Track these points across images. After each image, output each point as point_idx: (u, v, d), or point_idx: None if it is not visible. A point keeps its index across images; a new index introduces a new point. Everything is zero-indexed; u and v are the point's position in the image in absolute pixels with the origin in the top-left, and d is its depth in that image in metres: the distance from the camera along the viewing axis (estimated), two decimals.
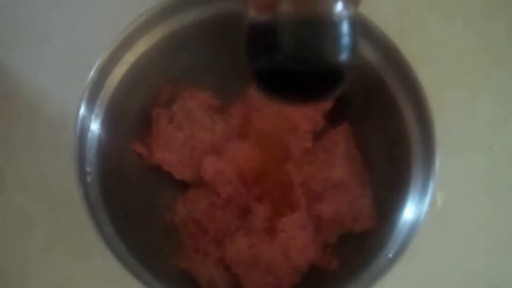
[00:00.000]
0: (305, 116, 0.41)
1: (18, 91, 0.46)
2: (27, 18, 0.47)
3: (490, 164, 0.47)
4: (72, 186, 0.35)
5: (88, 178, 0.37)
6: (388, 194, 0.39)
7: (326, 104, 0.41)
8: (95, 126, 0.38)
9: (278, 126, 0.41)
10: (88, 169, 0.37)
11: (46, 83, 0.46)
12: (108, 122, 0.39)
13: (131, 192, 0.41)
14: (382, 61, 0.39)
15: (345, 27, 0.29)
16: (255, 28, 0.30)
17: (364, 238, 0.40)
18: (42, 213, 0.43)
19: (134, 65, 0.39)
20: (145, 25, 0.39)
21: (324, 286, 0.40)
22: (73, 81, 0.38)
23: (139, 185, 0.42)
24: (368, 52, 0.40)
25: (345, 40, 0.29)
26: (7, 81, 0.46)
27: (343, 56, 0.29)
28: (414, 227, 0.36)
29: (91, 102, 0.38)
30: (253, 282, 0.39)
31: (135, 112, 0.42)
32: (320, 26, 0.28)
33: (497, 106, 0.48)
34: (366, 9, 0.38)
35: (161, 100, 0.42)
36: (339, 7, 0.28)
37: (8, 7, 0.48)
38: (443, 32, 0.49)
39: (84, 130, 0.37)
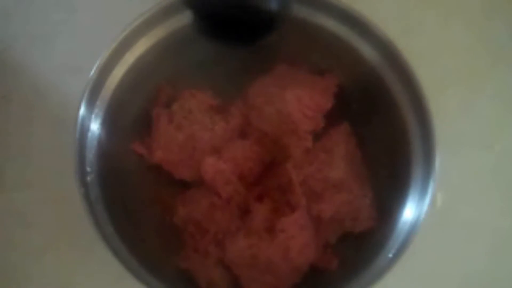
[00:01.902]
0: (305, 116, 0.41)
1: (18, 91, 0.46)
2: (27, 18, 0.47)
3: (490, 164, 0.47)
4: (72, 186, 0.36)
5: (88, 178, 0.37)
6: (388, 194, 0.39)
7: (326, 104, 0.41)
8: (95, 126, 0.38)
9: (278, 126, 0.41)
10: (88, 169, 0.37)
11: (46, 83, 0.46)
12: (108, 122, 0.39)
13: (131, 192, 0.41)
14: (382, 61, 0.39)
15: None
16: None
17: (364, 238, 0.40)
18: (42, 213, 0.43)
19: (134, 65, 0.39)
20: (145, 25, 0.39)
21: (324, 286, 0.40)
22: (73, 81, 0.38)
23: (139, 185, 0.42)
24: (368, 52, 0.40)
25: None
26: (6, 81, 0.46)
27: (275, 5, 0.32)
28: (414, 227, 0.36)
29: (91, 102, 0.38)
30: (253, 282, 0.39)
31: (135, 112, 0.42)
32: None
33: (497, 105, 0.48)
34: (366, 9, 0.39)
35: (161, 100, 0.42)
36: None
37: (8, 7, 0.48)
38: (443, 32, 0.49)
39: (84, 130, 0.37)
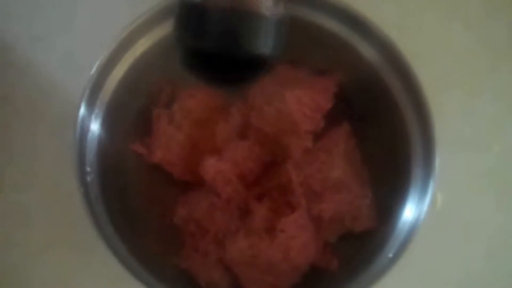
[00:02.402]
0: (305, 116, 0.41)
1: (19, 91, 0.46)
2: (27, 18, 0.47)
3: (490, 164, 0.47)
4: (72, 186, 0.36)
5: (88, 178, 0.37)
6: (388, 194, 0.39)
7: (326, 104, 0.41)
8: (95, 126, 0.38)
9: (278, 126, 0.41)
10: (88, 169, 0.37)
11: (46, 83, 0.46)
12: (108, 122, 0.39)
13: (131, 192, 0.41)
14: (382, 61, 0.39)
15: (270, 23, 0.31)
16: (186, 7, 0.31)
17: (364, 238, 0.40)
18: (42, 213, 0.43)
19: (134, 65, 0.39)
20: (145, 25, 0.39)
21: (324, 286, 0.40)
22: (73, 81, 0.38)
23: (139, 185, 0.42)
24: (368, 52, 0.40)
25: (269, 34, 0.31)
26: (7, 82, 0.46)
27: (265, 49, 0.31)
28: (414, 227, 0.36)
29: (91, 102, 0.38)
30: (253, 282, 0.39)
31: (135, 112, 0.42)
32: (247, 18, 0.30)
33: (497, 106, 0.48)
34: (367, 9, 0.39)
35: (161, 100, 0.42)
36: (268, 3, 0.30)
37: (8, 7, 0.48)
38: (443, 32, 0.49)
39: (84, 130, 0.37)
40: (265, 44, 0.31)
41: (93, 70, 0.37)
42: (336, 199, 0.40)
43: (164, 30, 0.40)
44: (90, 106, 0.38)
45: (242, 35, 0.31)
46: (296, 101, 0.40)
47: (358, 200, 0.40)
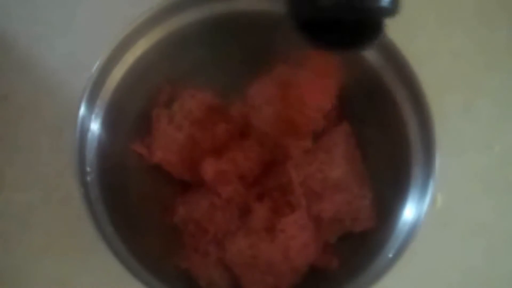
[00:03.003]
0: (305, 116, 0.41)
1: (19, 91, 0.46)
2: (28, 18, 0.48)
3: (490, 164, 0.47)
4: (72, 186, 0.36)
5: (88, 178, 0.37)
6: (388, 194, 0.39)
7: (326, 104, 0.41)
8: (95, 126, 0.38)
9: (278, 126, 0.41)
10: (88, 169, 0.37)
11: (46, 83, 0.46)
12: (108, 122, 0.39)
13: (131, 192, 0.41)
14: (382, 61, 0.39)
15: None
16: None
17: (364, 238, 0.40)
18: (42, 213, 0.43)
19: (134, 65, 0.39)
20: (145, 25, 0.39)
21: (324, 286, 0.40)
22: (73, 81, 0.38)
23: (139, 185, 0.41)
24: (368, 52, 0.40)
25: None
26: (7, 81, 0.46)
27: (384, 4, 0.30)
28: (414, 227, 0.36)
29: (91, 102, 0.38)
30: (253, 282, 0.39)
31: (135, 112, 0.42)
32: None
33: (496, 106, 0.48)
34: None
35: (161, 100, 0.42)
36: None
37: (8, 7, 0.48)
38: (443, 33, 0.49)
39: (84, 130, 0.37)
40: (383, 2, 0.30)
41: (93, 70, 0.37)
42: (336, 199, 0.40)
43: (164, 30, 0.40)
44: (90, 106, 0.38)
45: None
46: (296, 101, 0.40)
47: (358, 200, 0.40)
